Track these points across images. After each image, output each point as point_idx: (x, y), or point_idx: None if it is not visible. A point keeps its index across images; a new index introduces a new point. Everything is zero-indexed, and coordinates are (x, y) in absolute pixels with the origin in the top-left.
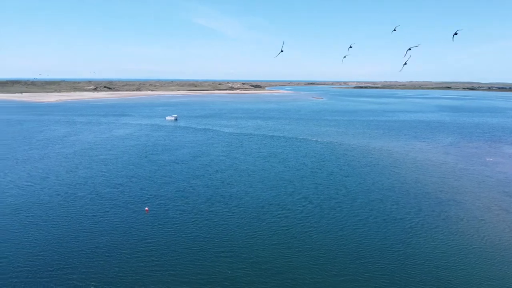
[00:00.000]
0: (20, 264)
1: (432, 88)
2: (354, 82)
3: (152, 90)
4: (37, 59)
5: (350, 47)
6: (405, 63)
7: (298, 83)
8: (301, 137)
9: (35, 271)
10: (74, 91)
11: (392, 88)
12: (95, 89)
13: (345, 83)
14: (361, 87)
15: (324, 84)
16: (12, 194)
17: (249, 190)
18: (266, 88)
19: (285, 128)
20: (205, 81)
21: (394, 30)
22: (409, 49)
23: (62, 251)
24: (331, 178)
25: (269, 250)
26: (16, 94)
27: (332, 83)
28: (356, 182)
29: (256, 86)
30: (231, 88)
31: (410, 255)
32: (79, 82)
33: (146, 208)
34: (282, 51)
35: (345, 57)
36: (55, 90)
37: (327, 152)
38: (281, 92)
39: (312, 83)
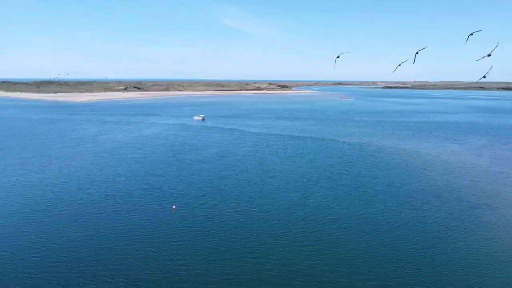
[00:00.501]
0: (52, 259)
1: (465, 89)
2: (382, 82)
3: (180, 90)
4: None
5: (417, 53)
6: (484, 77)
7: (326, 83)
8: (328, 138)
9: (66, 266)
10: (104, 91)
11: (423, 88)
12: (125, 89)
13: (373, 83)
14: (390, 87)
15: (351, 84)
16: (46, 190)
17: (276, 191)
18: (293, 88)
19: (312, 129)
20: (232, 81)
21: (471, 34)
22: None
23: (92, 247)
24: (358, 179)
25: (296, 251)
26: (51, 94)
27: (360, 83)
28: (384, 184)
29: (283, 86)
30: (258, 88)
31: (441, 260)
32: (108, 83)
33: (174, 207)
34: (338, 57)
35: (399, 65)
36: (87, 90)
37: (354, 153)
38: (308, 92)
39: (340, 83)
